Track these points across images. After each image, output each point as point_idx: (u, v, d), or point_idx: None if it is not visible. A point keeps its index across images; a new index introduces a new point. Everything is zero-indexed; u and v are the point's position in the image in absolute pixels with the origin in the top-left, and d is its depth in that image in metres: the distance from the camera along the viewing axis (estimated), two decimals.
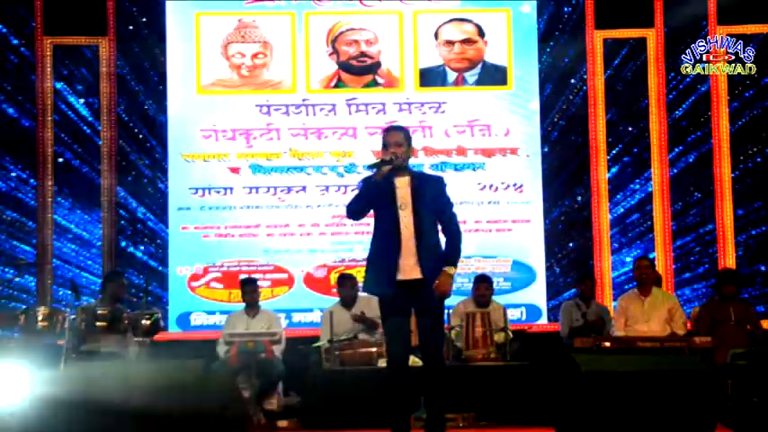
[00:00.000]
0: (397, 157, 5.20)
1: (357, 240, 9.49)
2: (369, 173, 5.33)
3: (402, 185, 5.26)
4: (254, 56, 9.71)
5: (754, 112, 9.66)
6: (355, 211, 5.34)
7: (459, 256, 5.32)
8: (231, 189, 9.58)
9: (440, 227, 5.37)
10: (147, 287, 7.79)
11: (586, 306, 8.70)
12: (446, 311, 6.00)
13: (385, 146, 5.28)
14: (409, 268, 5.20)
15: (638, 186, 9.72)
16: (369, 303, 8.26)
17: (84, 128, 9.47)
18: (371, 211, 5.36)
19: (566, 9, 9.84)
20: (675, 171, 9.71)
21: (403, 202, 5.23)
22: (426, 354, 5.27)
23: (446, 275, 5.20)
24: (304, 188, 9.62)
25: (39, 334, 7.59)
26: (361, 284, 8.62)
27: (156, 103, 9.57)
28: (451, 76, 9.78)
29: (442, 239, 5.36)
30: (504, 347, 7.74)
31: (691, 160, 9.73)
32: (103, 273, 9.06)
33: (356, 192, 5.48)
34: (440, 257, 5.25)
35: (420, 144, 9.48)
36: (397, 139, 5.27)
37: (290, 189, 9.62)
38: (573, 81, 9.77)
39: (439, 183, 5.41)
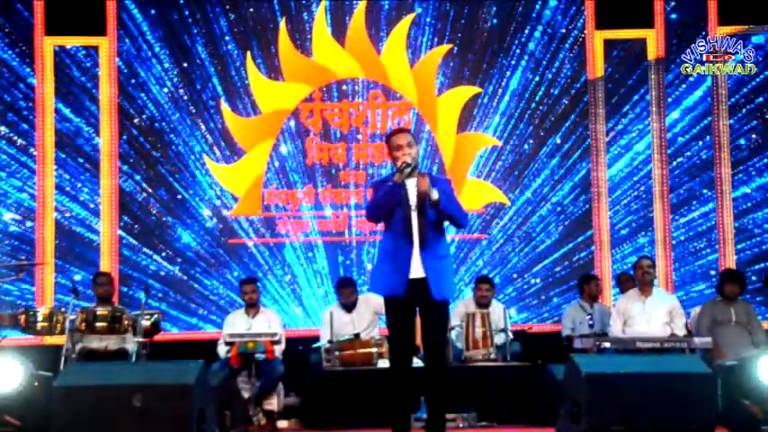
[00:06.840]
0: (413, 159, 5.22)
1: (357, 241, 9.51)
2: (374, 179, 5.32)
3: (413, 187, 5.26)
4: None
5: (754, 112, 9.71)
6: (377, 215, 5.33)
7: (451, 205, 5.20)
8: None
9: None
10: (148, 291, 7.75)
11: (591, 307, 8.68)
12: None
13: (395, 148, 5.26)
14: (417, 268, 5.22)
15: (638, 186, 9.71)
16: (368, 301, 8.25)
17: (85, 128, 9.46)
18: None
19: (566, 9, 9.82)
20: (676, 170, 9.71)
21: (415, 202, 5.24)
22: (429, 354, 5.27)
23: (426, 182, 5.16)
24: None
25: (39, 334, 7.62)
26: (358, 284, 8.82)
27: (157, 103, 9.56)
28: None
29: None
30: (505, 348, 7.75)
31: (691, 160, 9.74)
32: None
33: (372, 193, 5.44)
34: (444, 259, 5.27)
35: None
36: (408, 140, 5.27)
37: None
38: (572, 81, 9.76)
39: (447, 184, 5.41)
